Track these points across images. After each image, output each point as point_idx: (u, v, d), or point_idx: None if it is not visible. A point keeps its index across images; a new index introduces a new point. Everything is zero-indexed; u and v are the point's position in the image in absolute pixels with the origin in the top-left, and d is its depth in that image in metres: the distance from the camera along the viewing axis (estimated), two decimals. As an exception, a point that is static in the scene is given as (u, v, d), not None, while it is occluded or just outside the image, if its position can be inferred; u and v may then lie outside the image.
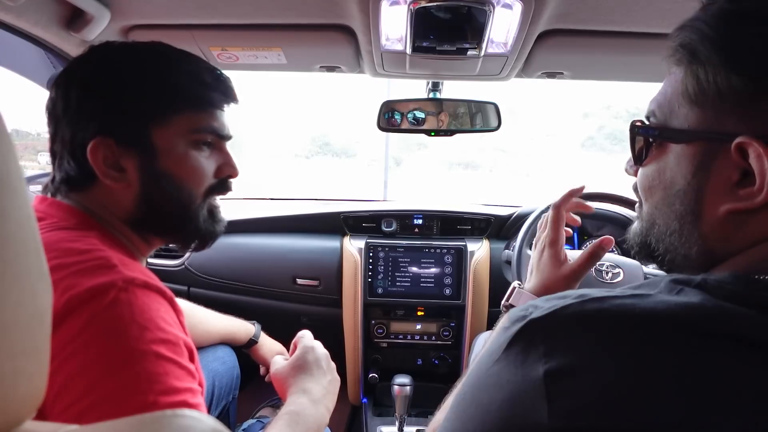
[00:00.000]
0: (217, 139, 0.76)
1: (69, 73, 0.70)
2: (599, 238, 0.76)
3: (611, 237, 0.77)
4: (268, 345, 1.21)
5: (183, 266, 1.69)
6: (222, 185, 0.78)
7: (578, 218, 0.83)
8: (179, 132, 0.71)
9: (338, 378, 0.94)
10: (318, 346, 0.95)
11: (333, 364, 0.95)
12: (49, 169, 0.74)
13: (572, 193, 0.81)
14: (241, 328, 1.19)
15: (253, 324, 1.21)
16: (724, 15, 0.42)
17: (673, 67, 0.47)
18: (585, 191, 1.35)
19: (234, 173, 0.79)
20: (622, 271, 1.32)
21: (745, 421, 0.30)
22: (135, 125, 0.68)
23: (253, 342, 1.18)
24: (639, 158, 0.51)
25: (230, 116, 0.77)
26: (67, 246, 0.60)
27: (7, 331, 0.23)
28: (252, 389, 1.60)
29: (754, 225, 0.41)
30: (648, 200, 0.51)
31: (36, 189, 1.46)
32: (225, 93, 0.75)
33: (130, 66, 0.69)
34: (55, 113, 0.69)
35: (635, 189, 0.55)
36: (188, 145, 0.72)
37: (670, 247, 0.48)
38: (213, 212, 0.79)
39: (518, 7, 0.86)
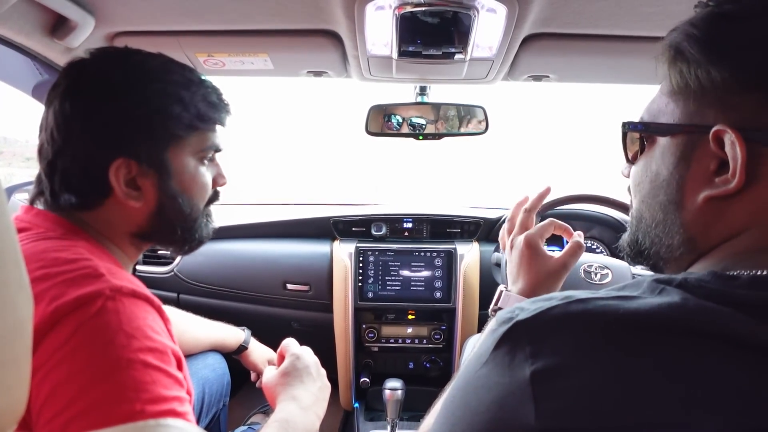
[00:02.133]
0: (214, 153, 0.79)
1: (88, 85, 0.68)
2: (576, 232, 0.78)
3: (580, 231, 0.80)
4: (258, 351, 1.21)
5: (172, 273, 1.67)
6: (216, 195, 0.82)
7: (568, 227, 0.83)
8: (191, 151, 0.73)
9: (328, 384, 0.93)
10: (307, 353, 0.94)
11: (323, 371, 0.94)
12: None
13: (542, 196, 0.82)
14: (231, 334, 1.19)
15: (243, 330, 1.21)
16: (709, 16, 0.44)
17: (663, 67, 0.49)
18: (577, 194, 1.37)
19: (225, 182, 0.82)
20: (610, 272, 1.34)
21: (728, 419, 0.31)
22: (157, 147, 0.70)
23: (243, 348, 1.18)
24: (631, 157, 0.53)
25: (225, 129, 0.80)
26: (53, 256, 0.59)
27: None
28: (243, 396, 1.59)
29: (731, 213, 0.43)
30: (637, 196, 0.53)
31: (23, 197, 1.45)
32: (228, 111, 0.78)
33: (154, 88, 0.69)
34: (69, 128, 0.67)
35: (629, 190, 0.56)
36: (197, 162, 0.75)
37: (655, 239, 0.50)
38: (208, 218, 0.82)
39: (502, 12, 0.87)
